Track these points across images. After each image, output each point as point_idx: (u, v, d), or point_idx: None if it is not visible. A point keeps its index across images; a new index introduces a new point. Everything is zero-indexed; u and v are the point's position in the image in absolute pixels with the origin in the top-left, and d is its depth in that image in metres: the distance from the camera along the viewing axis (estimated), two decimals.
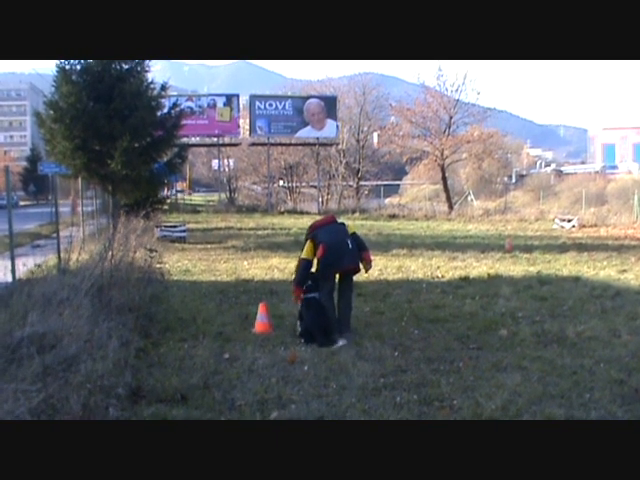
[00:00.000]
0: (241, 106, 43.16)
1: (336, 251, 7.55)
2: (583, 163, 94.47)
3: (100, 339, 6.04)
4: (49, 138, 18.81)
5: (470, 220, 32.34)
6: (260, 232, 24.45)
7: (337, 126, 41.78)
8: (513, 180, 64.64)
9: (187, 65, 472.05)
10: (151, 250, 11.53)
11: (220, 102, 40.94)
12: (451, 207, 38.81)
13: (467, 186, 50.38)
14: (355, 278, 8.17)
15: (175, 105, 22.28)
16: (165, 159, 21.07)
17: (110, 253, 9.20)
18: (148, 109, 19.03)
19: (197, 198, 61.26)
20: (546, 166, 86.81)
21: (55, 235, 12.79)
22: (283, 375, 6.09)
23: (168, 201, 34.00)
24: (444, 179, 40.98)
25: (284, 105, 40.90)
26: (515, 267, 14.04)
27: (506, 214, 34.89)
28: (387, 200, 48.16)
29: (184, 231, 21.22)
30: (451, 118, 40.54)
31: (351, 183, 48.62)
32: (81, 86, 18.21)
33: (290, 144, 44.75)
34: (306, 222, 16.17)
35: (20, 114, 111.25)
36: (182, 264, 14.74)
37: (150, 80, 19.99)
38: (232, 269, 13.80)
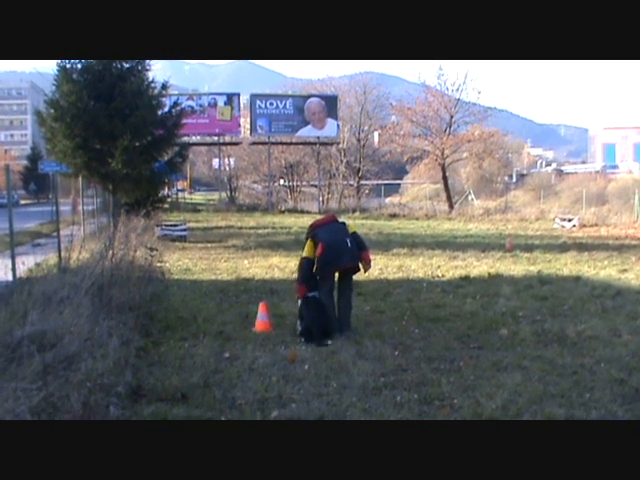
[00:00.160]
0: (242, 105, 43.18)
1: (335, 250, 7.57)
2: (584, 163, 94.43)
3: (100, 338, 6.05)
4: (50, 137, 18.82)
5: (470, 219, 32.34)
6: (260, 231, 24.45)
7: (338, 125, 41.80)
8: (514, 179, 64.61)
9: (188, 64, 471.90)
10: (152, 249, 11.53)
11: (221, 101, 40.96)
12: (451, 206, 38.81)
13: (467, 185, 50.38)
14: (355, 277, 8.19)
15: (176, 104, 22.29)
16: (166, 158, 21.07)
17: (110, 252, 9.20)
18: (149, 108, 19.03)
19: (198, 197, 61.30)
20: (547, 165, 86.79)
21: (56, 234, 12.79)
22: (283, 374, 6.10)
23: (169, 200, 33.99)
24: (445, 178, 40.98)
25: (285, 104, 40.91)
26: (515, 266, 14.04)
27: (506, 213, 34.88)
28: (388, 199, 48.16)
29: (184, 230, 21.23)
30: (452, 117, 40.55)
31: (352, 182, 48.63)
32: (82, 85, 18.22)
33: (291, 143, 44.76)
34: (306, 221, 16.17)
35: (21, 113, 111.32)
36: (182, 263, 14.75)
37: (151, 79, 20.02)
38: (232, 268, 13.81)
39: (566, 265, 14.33)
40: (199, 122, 39.21)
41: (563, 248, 18.05)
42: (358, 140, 48.13)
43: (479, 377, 6.03)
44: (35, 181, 62.84)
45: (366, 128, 48.26)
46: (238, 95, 42.44)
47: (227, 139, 43.16)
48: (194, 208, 41.67)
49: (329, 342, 7.25)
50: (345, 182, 48.79)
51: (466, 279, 12.12)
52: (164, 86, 20.68)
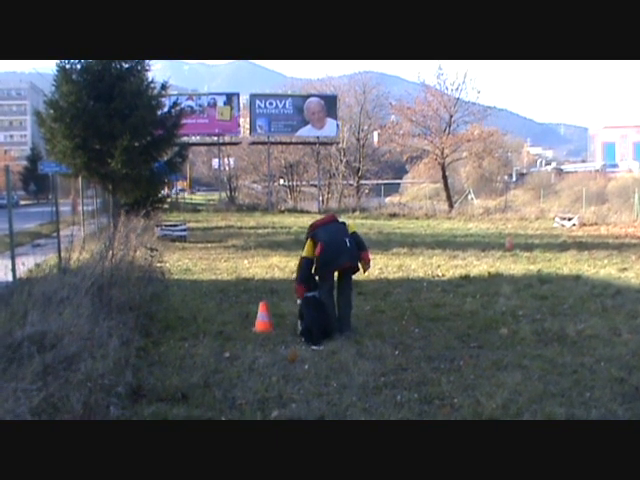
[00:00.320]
0: (241, 105, 43.18)
1: (333, 249, 7.59)
2: (583, 162, 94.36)
3: (100, 338, 6.04)
4: (49, 137, 18.81)
5: (470, 219, 32.33)
6: (260, 231, 24.45)
7: (337, 125, 41.79)
8: (513, 179, 64.58)
9: (187, 64, 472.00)
10: (151, 249, 11.53)
11: (220, 101, 40.96)
12: (451, 206, 38.80)
13: (467, 185, 50.36)
14: (355, 277, 8.19)
15: (175, 104, 22.29)
16: (165, 158, 21.07)
17: (110, 252, 9.20)
18: (148, 108, 19.03)
19: (197, 197, 61.29)
20: (546, 165, 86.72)
21: (55, 234, 12.79)
22: (284, 374, 6.10)
23: (169, 200, 34.00)
24: (444, 178, 40.97)
25: (284, 104, 40.91)
26: (515, 266, 14.05)
27: (506, 213, 34.87)
28: (387, 199, 48.18)
29: (184, 230, 21.23)
30: (451, 117, 40.54)
31: (351, 182, 48.64)
32: (81, 85, 18.21)
33: (290, 143, 44.77)
34: (306, 221, 16.18)
35: (20, 113, 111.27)
36: (182, 263, 14.75)
37: (150, 79, 20.01)
38: (232, 268, 13.81)
39: (566, 264, 14.33)
40: (199, 122, 39.22)
41: (563, 247, 18.05)
42: (358, 140, 48.14)
43: (479, 376, 6.03)
44: (35, 182, 62.86)
45: (366, 128, 48.27)
46: (238, 95, 42.45)
47: (227, 139, 43.18)
48: (194, 208, 41.67)
49: (321, 347, 7.10)
50: (345, 182, 48.80)
51: (466, 278, 12.12)
52: (164, 86, 20.68)
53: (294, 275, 8.18)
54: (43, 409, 4.32)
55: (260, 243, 19.39)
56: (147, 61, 19.41)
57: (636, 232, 23.17)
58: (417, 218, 33.89)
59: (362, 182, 49.14)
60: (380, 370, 6.21)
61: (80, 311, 6.39)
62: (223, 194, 47.71)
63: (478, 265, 14.07)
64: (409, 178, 60.60)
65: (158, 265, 12.16)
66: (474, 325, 8.17)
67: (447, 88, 40.59)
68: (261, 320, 7.97)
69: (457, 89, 40.39)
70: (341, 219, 8.31)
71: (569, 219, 27.75)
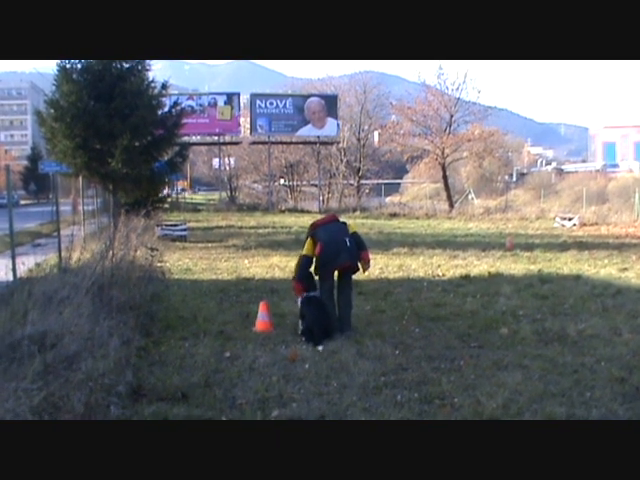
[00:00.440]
0: (242, 105, 43.19)
1: (333, 249, 7.60)
2: (584, 161, 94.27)
3: (101, 338, 6.05)
4: (50, 137, 18.81)
5: (471, 219, 32.34)
6: (261, 231, 24.45)
7: (338, 125, 41.80)
8: (514, 179, 64.53)
9: (188, 64, 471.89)
10: (152, 249, 11.53)
11: (221, 101, 40.96)
12: (452, 206, 38.80)
13: (468, 185, 50.36)
14: (356, 277, 8.19)
15: (176, 104, 22.27)
16: (166, 158, 21.07)
17: (111, 252, 9.21)
18: (149, 108, 19.02)
19: (198, 197, 61.30)
20: (547, 164, 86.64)
21: (56, 234, 12.80)
22: (284, 373, 6.10)
23: (169, 200, 34.01)
24: (445, 178, 40.97)
25: (285, 104, 40.92)
26: (516, 265, 14.05)
27: (507, 212, 34.87)
28: (388, 199, 48.17)
29: (185, 230, 21.23)
30: (452, 117, 40.54)
31: (352, 182, 48.63)
32: (82, 85, 18.21)
33: (291, 143, 44.77)
34: (307, 221, 16.17)
35: (21, 113, 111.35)
36: (183, 263, 14.75)
37: (151, 79, 20.00)
38: (233, 268, 13.81)
39: (566, 264, 14.33)
40: (199, 122, 39.21)
41: (563, 247, 18.05)
42: (358, 139, 48.13)
43: (479, 376, 6.03)
44: (35, 181, 62.89)
45: (366, 127, 48.26)
46: (238, 95, 42.44)
47: (227, 139, 43.16)
48: (194, 208, 41.68)
49: (320, 348, 7.08)
50: (345, 181, 48.79)
51: (466, 278, 12.12)
52: (164, 86, 20.67)
53: (294, 274, 8.18)
54: (44, 408, 4.32)
55: (260, 243, 19.39)
56: (147, 61, 19.41)
57: (636, 232, 23.16)
58: (417, 218, 33.89)
59: (362, 182, 49.13)
60: (380, 370, 6.21)
61: (80, 311, 6.40)
62: (223, 194, 47.72)
63: (478, 265, 14.07)
64: (409, 178, 60.59)
65: (158, 265, 12.16)
66: (474, 325, 8.17)
67: (447, 88, 40.69)
68: (261, 320, 7.97)
69: (457, 89, 40.47)
70: (342, 219, 8.32)
71: (569, 219, 27.75)
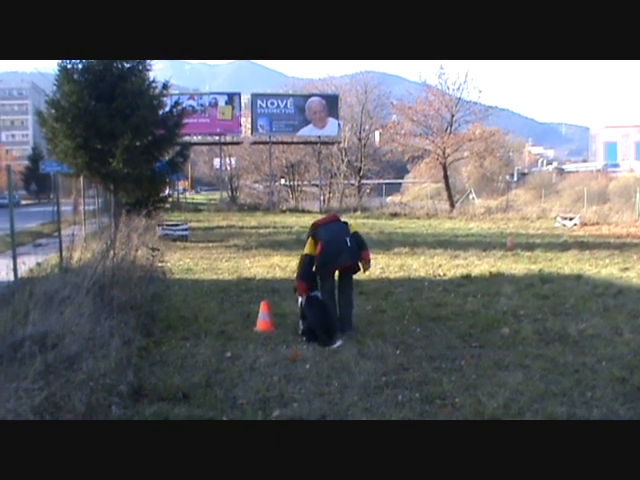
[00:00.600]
0: (243, 105, 43.21)
1: (333, 248, 7.61)
2: (585, 161, 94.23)
3: (102, 337, 6.05)
4: (51, 137, 18.81)
5: (472, 218, 32.33)
6: (262, 231, 24.46)
7: (339, 124, 41.82)
8: (515, 178, 64.54)
9: (189, 64, 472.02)
10: (153, 249, 11.54)
11: (222, 101, 40.98)
12: (453, 205, 38.79)
13: (469, 184, 50.34)
14: (357, 276, 8.19)
15: (177, 104, 22.25)
16: (167, 158, 21.07)
17: (112, 252, 9.22)
18: (150, 108, 19.02)
19: (199, 197, 61.32)
20: (548, 164, 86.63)
21: (57, 234, 12.81)
22: (285, 373, 6.10)
23: (170, 200, 34.03)
24: (446, 177, 40.95)
25: (286, 104, 40.93)
26: (517, 265, 14.04)
27: (508, 212, 34.85)
28: (389, 199, 48.18)
29: (186, 230, 21.24)
30: (453, 116, 40.50)
31: (353, 182, 48.65)
32: (83, 85, 18.21)
33: (292, 143, 44.78)
34: (308, 221, 16.16)
35: (22, 113, 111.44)
36: (184, 263, 14.76)
37: (152, 79, 19.98)
38: (234, 268, 13.82)
39: (567, 264, 14.33)
40: (200, 122, 39.22)
41: (564, 247, 18.04)
42: (359, 139, 48.13)
43: (480, 376, 6.03)
44: (36, 181, 62.91)
45: (367, 127, 48.26)
46: (239, 95, 42.46)
47: (228, 139, 43.18)
48: (195, 208, 41.69)
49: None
50: (346, 181, 48.80)
51: (467, 278, 12.12)
52: (165, 86, 20.66)
53: (295, 274, 8.19)
54: (45, 408, 4.32)
55: (261, 243, 19.39)
56: (148, 61, 19.40)
57: (638, 232, 23.15)
58: (418, 218, 33.88)
59: (363, 182, 49.15)
60: (381, 370, 6.21)
61: (82, 310, 6.40)
62: (224, 194, 47.73)
63: (479, 265, 14.07)
64: (410, 178, 60.63)
65: (159, 265, 12.17)
66: (475, 325, 8.16)
67: (448, 88, 40.61)
68: (262, 320, 7.97)
69: (458, 89, 40.39)
70: (343, 219, 8.32)
71: (570, 219, 27.73)
